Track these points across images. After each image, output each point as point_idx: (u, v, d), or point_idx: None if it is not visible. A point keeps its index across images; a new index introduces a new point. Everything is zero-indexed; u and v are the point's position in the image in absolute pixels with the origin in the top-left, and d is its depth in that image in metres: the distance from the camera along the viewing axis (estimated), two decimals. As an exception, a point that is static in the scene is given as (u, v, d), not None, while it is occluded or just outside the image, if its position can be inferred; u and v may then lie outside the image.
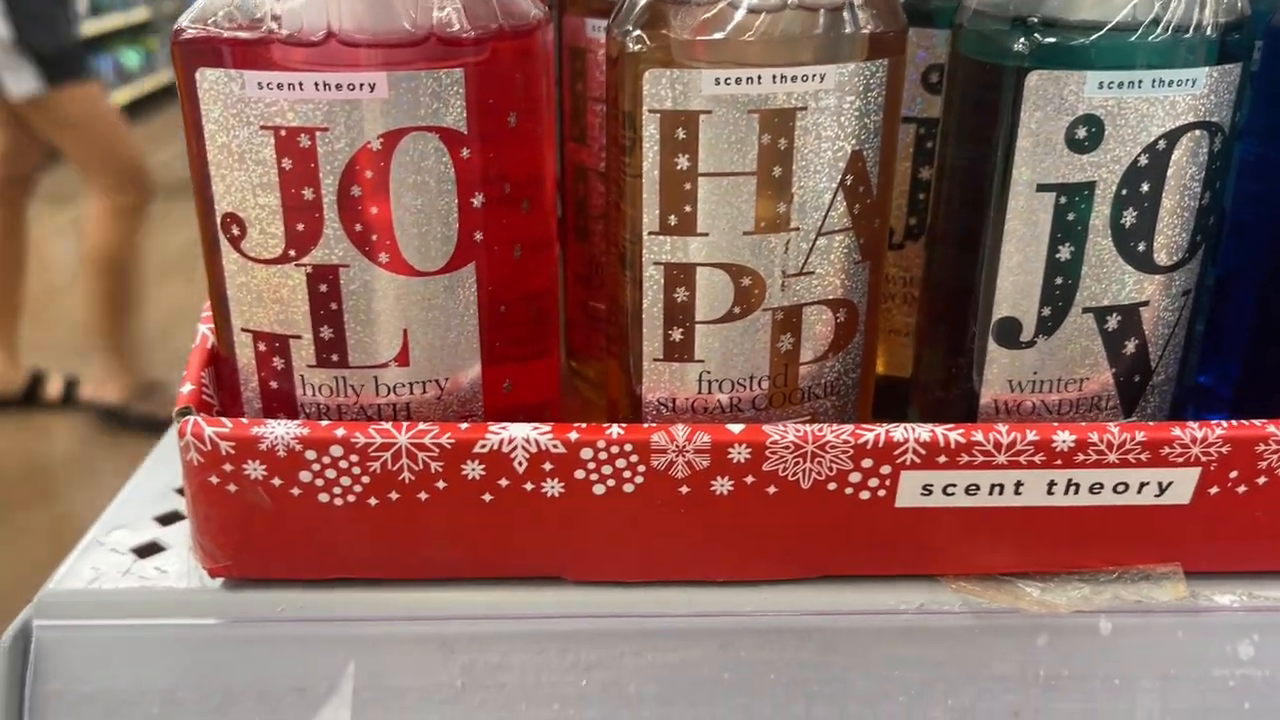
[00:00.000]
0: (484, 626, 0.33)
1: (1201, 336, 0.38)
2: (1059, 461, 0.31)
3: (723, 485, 0.31)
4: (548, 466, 0.31)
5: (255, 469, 0.31)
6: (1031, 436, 0.31)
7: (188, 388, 0.32)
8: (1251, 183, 0.37)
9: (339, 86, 0.28)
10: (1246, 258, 0.38)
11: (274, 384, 0.32)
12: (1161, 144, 0.30)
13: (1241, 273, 0.38)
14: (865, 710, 0.33)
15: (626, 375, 0.34)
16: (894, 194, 0.40)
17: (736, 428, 0.31)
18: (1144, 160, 0.30)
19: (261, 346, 0.31)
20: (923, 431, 0.31)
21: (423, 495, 0.31)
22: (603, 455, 0.31)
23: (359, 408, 0.32)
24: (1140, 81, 0.29)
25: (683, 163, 0.29)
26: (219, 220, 0.30)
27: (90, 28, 3.95)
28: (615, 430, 0.31)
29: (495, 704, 0.32)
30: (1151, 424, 0.31)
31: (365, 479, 0.31)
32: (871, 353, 0.34)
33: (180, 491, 0.38)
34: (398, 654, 0.32)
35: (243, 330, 0.31)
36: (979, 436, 0.31)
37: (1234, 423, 0.31)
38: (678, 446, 0.31)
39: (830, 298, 0.32)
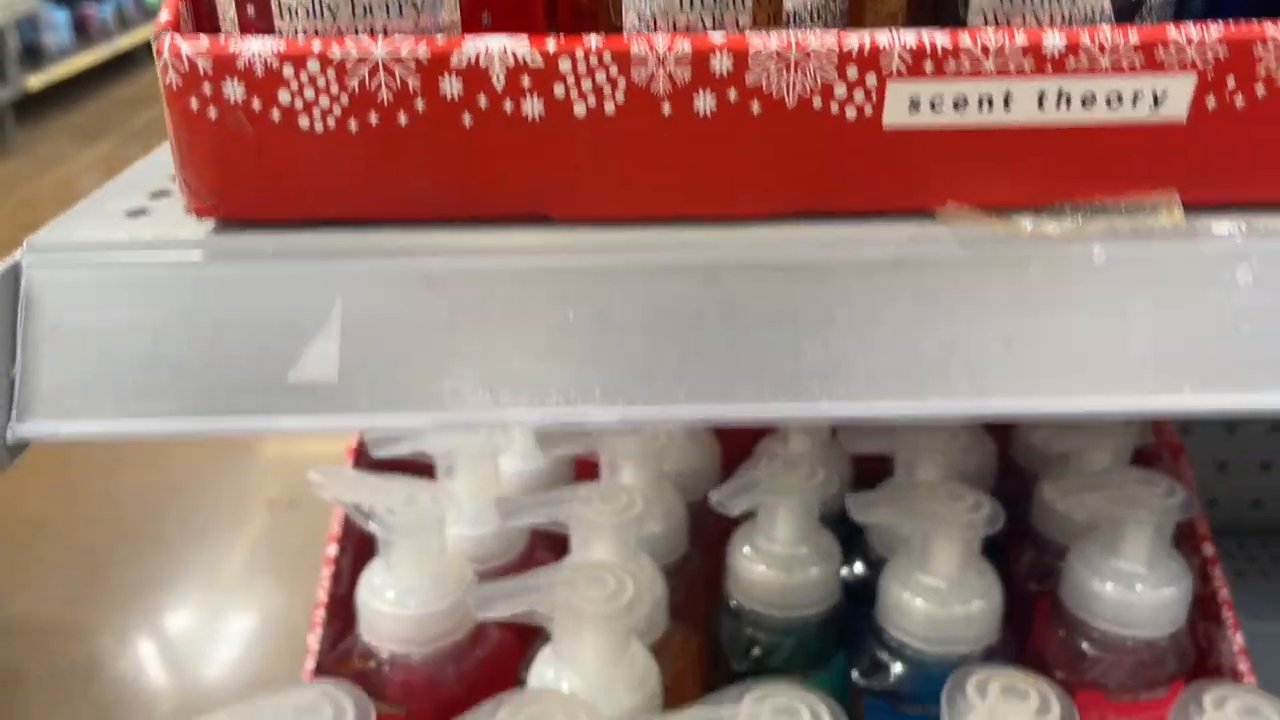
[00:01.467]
0: (469, 263, 0.32)
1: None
2: (1049, 68, 0.30)
3: (705, 103, 0.31)
4: (526, 82, 0.30)
5: (234, 89, 0.30)
6: (1021, 40, 0.30)
7: (165, 15, 0.31)
8: None
9: None
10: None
11: (250, 10, 0.31)
12: None
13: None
14: (852, 341, 0.32)
15: (607, 23, 0.34)
16: None
17: (718, 36, 0.30)
18: None
19: (236, -33, 0.31)
20: (908, 36, 0.30)
21: (402, 117, 0.31)
22: (582, 68, 0.30)
23: (336, 31, 0.31)
24: None
25: None
26: None
27: (108, -45, 3.93)
28: (594, 40, 0.30)
29: (482, 335, 0.32)
30: (1145, 26, 0.30)
31: (344, 98, 0.31)
32: (859, -15, 0.33)
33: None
34: (383, 291, 0.32)
35: (217, -49, 0.31)
36: (966, 41, 0.30)
37: (1231, 25, 0.30)
38: (658, 56, 0.30)
39: (813, -94, 0.31)
